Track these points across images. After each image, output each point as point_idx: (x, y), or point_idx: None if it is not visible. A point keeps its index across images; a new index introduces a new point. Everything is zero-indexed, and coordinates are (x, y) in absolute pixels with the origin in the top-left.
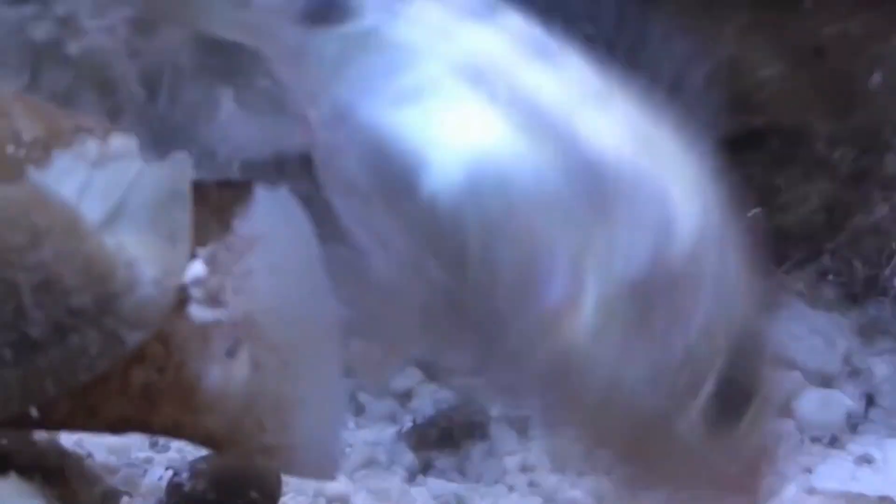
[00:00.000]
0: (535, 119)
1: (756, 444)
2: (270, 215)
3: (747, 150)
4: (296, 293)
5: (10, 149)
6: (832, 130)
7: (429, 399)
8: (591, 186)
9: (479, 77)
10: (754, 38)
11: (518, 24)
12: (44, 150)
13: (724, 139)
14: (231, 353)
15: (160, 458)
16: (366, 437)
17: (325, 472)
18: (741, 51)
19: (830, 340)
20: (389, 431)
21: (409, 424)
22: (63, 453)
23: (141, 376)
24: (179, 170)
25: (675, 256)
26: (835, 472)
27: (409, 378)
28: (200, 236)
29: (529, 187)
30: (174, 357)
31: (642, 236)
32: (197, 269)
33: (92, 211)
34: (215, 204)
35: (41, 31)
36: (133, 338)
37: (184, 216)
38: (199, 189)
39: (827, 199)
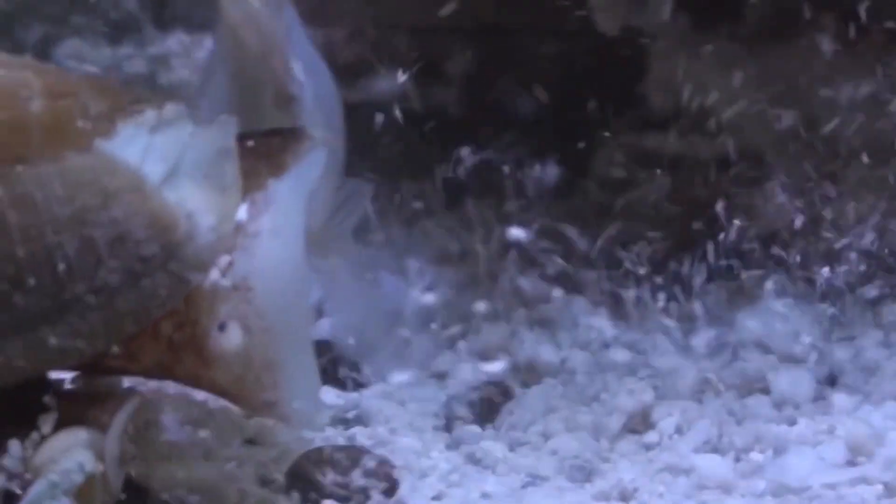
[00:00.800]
0: None
1: None
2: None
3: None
4: (288, 262)
5: (80, 123)
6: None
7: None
8: None
9: None
10: None
11: None
12: (109, 121)
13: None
14: (223, 325)
15: None
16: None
17: (313, 423)
18: None
19: (799, 330)
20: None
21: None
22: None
23: (168, 328)
24: (226, 129)
25: None
26: (806, 436)
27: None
28: (251, 182)
29: None
30: (191, 314)
31: None
32: (241, 213)
33: (153, 171)
34: (264, 151)
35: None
36: (196, 278)
37: (233, 169)
38: (250, 137)
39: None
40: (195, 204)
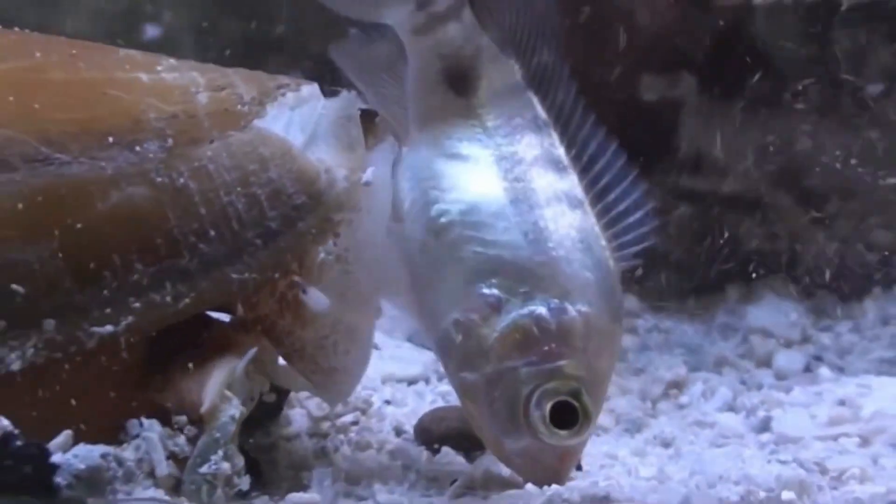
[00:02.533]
0: None
1: None
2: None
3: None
4: (376, 241)
5: (238, 107)
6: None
7: None
8: None
9: None
10: None
11: None
12: (259, 104)
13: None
14: (305, 289)
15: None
16: None
17: (343, 398)
18: None
19: (793, 320)
20: None
21: None
22: None
23: (282, 286)
24: (349, 101)
25: None
26: (799, 400)
27: None
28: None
29: None
30: (303, 277)
31: None
32: (367, 175)
33: (296, 138)
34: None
35: None
36: (338, 217)
37: (357, 131)
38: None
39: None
40: (330, 160)
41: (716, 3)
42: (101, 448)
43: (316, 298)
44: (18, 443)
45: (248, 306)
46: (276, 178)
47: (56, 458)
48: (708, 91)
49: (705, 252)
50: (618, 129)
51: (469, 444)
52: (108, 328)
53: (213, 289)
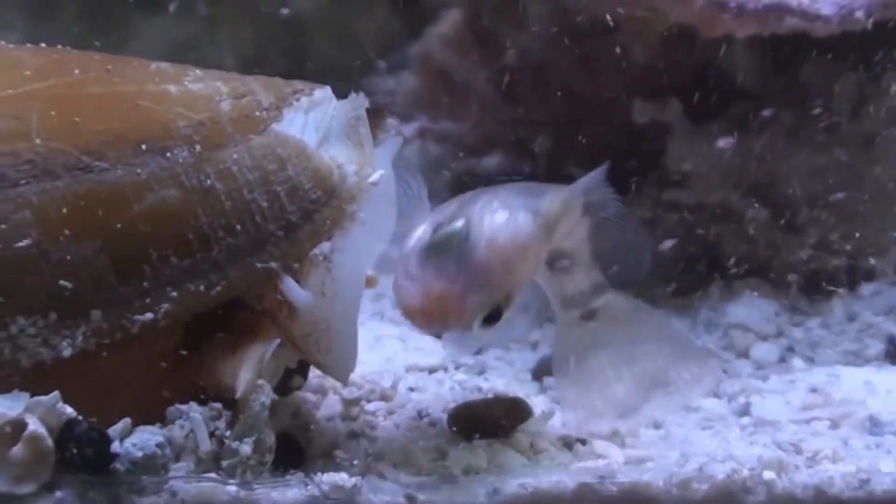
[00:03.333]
0: None
1: None
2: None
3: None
4: (367, 244)
5: (257, 113)
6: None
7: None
8: None
9: None
10: None
11: None
12: (277, 109)
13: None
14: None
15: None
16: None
17: (345, 378)
18: None
19: (769, 316)
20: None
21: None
22: None
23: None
24: (358, 102)
25: None
26: (775, 388)
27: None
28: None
29: None
30: (300, 272)
31: None
32: (375, 177)
33: (311, 139)
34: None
35: None
36: (351, 208)
37: (366, 130)
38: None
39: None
40: (342, 158)
41: (699, 38)
42: (155, 436)
43: (292, 289)
44: (81, 428)
45: (256, 299)
46: (293, 175)
47: (115, 446)
48: (692, 115)
49: (690, 256)
50: (614, 147)
51: (495, 431)
52: (149, 315)
53: (241, 277)
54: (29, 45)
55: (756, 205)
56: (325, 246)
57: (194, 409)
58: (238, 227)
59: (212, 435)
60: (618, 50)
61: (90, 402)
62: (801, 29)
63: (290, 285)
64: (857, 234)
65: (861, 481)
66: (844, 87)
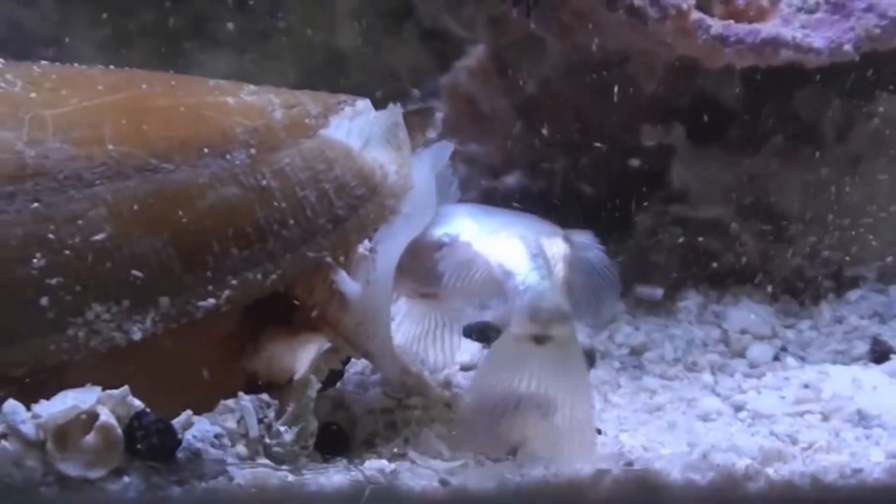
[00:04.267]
0: None
1: None
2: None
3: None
4: (405, 239)
5: (307, 120)
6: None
7: None
8: None
9: None
10: None
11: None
12: (324, 117)
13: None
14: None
15: None
16: None
17: (388, 365)
18: None
19: (764, 319)
20: None
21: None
22: None
23: (331, 272)
24: (395, 112)
25: None
26: (770, 384)
27: None
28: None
29: None
30: (347, 266)
31: None
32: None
33: (355, 142)
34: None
35: None
36: (392, 204)
37: (404, 134)
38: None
39: (760, 252)
40: (383, 159)
41: (701, 68)
42: (214, 427)
43: (344, 281)
44: (148, 419)
45: (307, 293)
46: (340, 174)
47: (179, 435)
48: (694, 138)
49: (690, 265)
50: (624, 167)
51: None
52: (211, 301)
53: (294, 266)
54: (100, 66)
55: (752, 219)
56: (366, 242)
57: (245, 398)
58: (291, 220)
59: (260, 421)
60: (627, 80)
61: (156, 384)
62: (795, 60)
63: (342, 277)
64: (843, 246)
65: (853, 470)
66: (832, 113)
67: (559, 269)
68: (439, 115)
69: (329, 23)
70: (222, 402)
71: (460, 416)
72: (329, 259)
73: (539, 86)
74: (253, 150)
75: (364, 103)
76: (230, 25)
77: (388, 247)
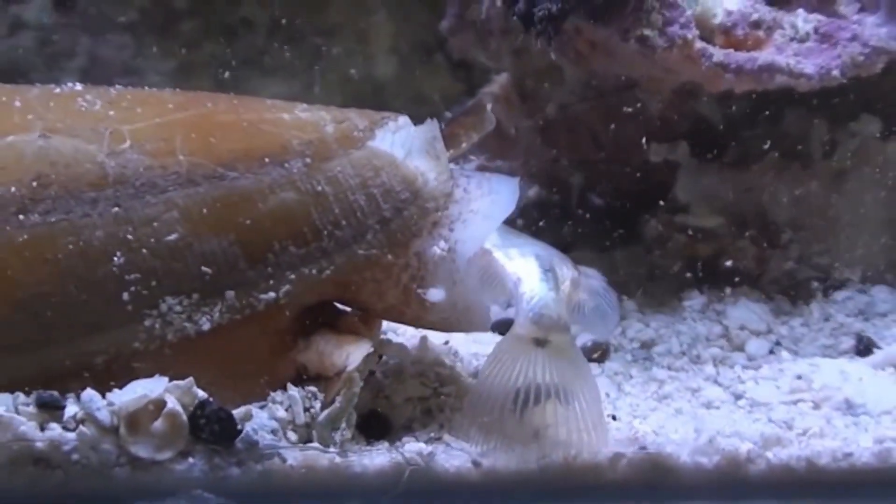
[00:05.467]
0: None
1: None
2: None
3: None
4: (483, 238)
5: (355, 133)
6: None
7: None
8: None
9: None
10: None
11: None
12: (370, 130)
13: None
14: (426, 292)
15: None
16: None
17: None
18: None
19: (760, 316)
20: None
21: None
22: None
23: (406, 278)
24: (432, 126)
25: None
26: (767, 375)
27: None
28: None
29: None
30: (421, 270)
31: None
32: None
33: (398, 152)
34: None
35: None
36: (432, 206)
37: (441, 146)
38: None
39: (756, 257)
40: (423, 167)
41: (703, 92)
42: (271, 422)
43: (434, 294)
44: (211, 408)
45: (377, 296)
46: (386, 180)
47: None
48: (697, 155)
49: (694, 269)
50: (634, 181)
51: None
52: (272, 295)
53: (346, 263)
54: (169, 89)
55: (748, 227)
56: (442, 244)
57: (293, 389)
58: (343, 221)
59: (307, 410)
60: (637, 103)
61: (218, 374)
62: (788, 85)
63: (430, 293)
64: (831, 251)
65: (845, 454)
66: (819, 132)
67: (566, 287)
68: (489, 107)
69: (369, 57)
70: (272, 394)
71: (464, 405)
72: (415, 287)
73: (557, 109)
74: (308, 160)
75: (405, 119)
76: (284, 57)
77: (469, 248)
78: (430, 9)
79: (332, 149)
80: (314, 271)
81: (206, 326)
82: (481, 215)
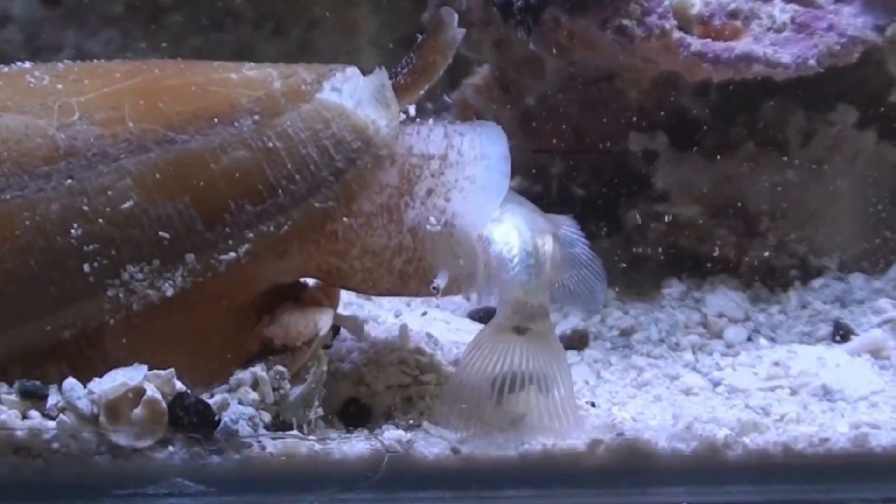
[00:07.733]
0: None
1: None
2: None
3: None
4: (486, 213)
5: (303, 87)
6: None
7: None
8: None
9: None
10: None
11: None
12: (317, 83)
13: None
14: (435, 286)
15: None
16: None
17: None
18: None
19: (738, 304)
20: None
21: None
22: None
23: (399, 263)
24: (381, 74)
25: None
26: (745, 362)
27: None
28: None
29: None
30: (418, 252)
31: None
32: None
33: (348, 103)
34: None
35: None
36: (384, 152)
37: (390, 93)
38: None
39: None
40: (374, 115)
41: (682, 83)
42: (248, 409)
43: (439, 279)
44: (190, 399)
45: (370, 284)
46: (337, 131)
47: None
48: (675, 144)
49: (672, 257)
50: (613, 171)
51: None
52: (232, 255)
53: (303, 217)
54: (117, 59)
55: (726, 216)
56: (437, 214)
57: (261, 370)
58: (297, 176)
59: (275, 390)
60: (616, 93)
61: (185, 350)
62: (765, 74)
63: (439, 280)
64: (808, 239)
65: (821, 439)
66: (796, 121)
67: (548, 267)
68: (447, 18)
69: (353, 49)
70: (238, 375)
71: (443, 392)
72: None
73: (537, 99)
74: (257, 117)
75: (353, 69)
76: (268, 50)
77: (469, 221)
78: (413, 1)
79: (281, 104)
80: (272, 228)
81: (170, 292)
82: (479, 185)
